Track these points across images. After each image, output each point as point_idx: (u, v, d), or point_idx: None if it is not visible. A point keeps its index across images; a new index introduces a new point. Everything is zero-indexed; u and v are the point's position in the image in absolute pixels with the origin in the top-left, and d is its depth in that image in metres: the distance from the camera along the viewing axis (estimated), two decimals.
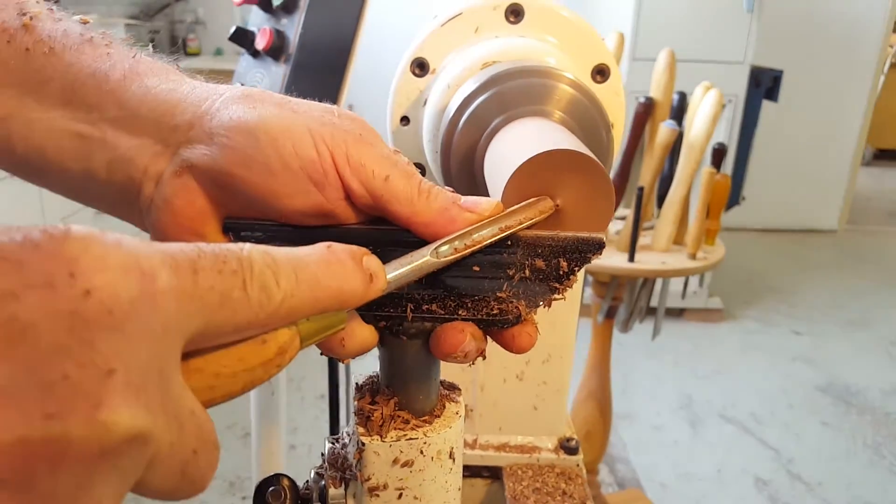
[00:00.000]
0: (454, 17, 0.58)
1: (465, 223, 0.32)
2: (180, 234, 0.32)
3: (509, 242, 0.32)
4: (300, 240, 0.29)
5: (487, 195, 0.44)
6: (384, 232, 0.33)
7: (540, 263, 0.32)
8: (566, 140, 0.38)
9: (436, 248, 0.31)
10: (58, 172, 0.32)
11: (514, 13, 0.58)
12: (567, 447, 0.73)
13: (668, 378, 2.70)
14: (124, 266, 0.19)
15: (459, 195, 0.33)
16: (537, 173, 0.35)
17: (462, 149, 0.48)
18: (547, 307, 0.34)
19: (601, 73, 0.60)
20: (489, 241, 0.32)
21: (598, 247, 0.33)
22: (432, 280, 0.32)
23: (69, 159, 0.32)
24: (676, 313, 3.13)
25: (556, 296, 0.33)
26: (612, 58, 0.61)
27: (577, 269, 0.33)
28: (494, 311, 0.32)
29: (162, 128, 0.31)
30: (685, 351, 2.90)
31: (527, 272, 0.33)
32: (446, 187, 0.34)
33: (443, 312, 0.32)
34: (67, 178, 0.33)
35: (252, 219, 0.33)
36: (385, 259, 0.30)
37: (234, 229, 0.33)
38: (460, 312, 0.32)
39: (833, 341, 3.02)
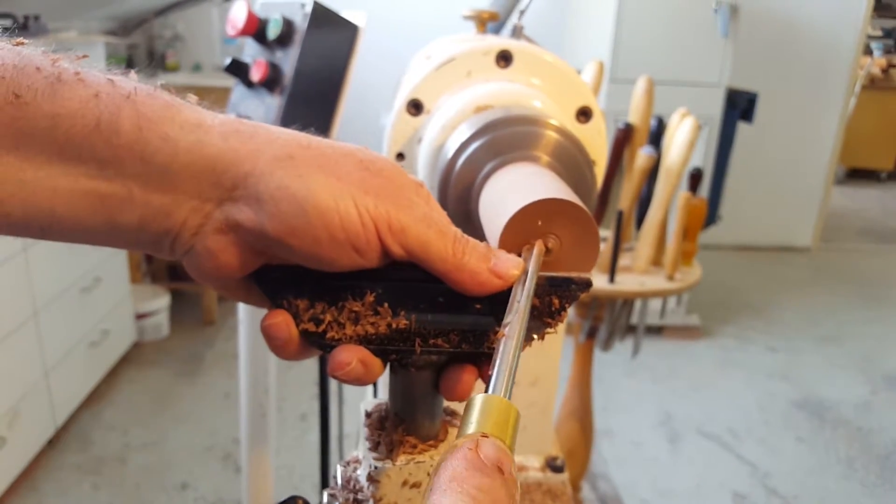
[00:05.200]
0: (448, 62, 0.62)
1: (492, 289, 0.35)
2: (217, 277, 0.34)
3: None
4: (331, 282, 0.34)
5: (482, 230, 0.48)
6: (415, 279, 0.35)
7: (535, 301, 0.36)
8: (556, 188, 0.42)
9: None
10: (71, 229, 0.31)
11: (504, 58, 0.62)
12: (553, 465, 0.76)
13: (646, 395, 2.75)
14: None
15: (490, 251, 0.35)
16: (530, 219, 0.39)
17: (459, 189, 0.51)
18: (541, 340, 0.37)
19: (584, 114, 0.64)
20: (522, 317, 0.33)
21: (587, 286, 0.36)
22: (439, 316, 0.35)
23: (87, 216, 0.31)
24: (655, 331, 3.18)
25: (548, 329, 0.37)
26: (594, 99, 0.65)
27: (567, 305, 0.36)
28: (495, 345, 0.36)
29: (201, 185, 0.31)
30: (664, 368, 2.95)
31: None
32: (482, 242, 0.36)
33: (448, 346, 0.35)
34: (85, 232, 0.31)
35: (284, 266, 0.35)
36: (413, 295, 0.35)
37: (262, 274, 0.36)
38: (463, 346, 0.35)
39: (807, 357, 3.09)
